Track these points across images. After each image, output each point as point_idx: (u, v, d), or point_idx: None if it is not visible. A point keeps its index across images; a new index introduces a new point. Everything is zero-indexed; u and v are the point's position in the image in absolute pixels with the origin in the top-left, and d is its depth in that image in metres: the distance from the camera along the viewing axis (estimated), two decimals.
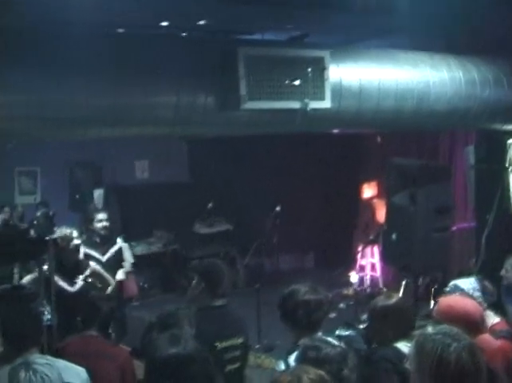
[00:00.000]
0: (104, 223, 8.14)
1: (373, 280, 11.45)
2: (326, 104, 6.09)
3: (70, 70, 5.28)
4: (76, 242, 7.26)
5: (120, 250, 8.33)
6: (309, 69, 5.91)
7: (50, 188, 11.87)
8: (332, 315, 8.90)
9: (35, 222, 9.02)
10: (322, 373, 2.74)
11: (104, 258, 7.99)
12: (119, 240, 8.45)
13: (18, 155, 11.24)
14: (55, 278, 6.43)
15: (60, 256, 6.84)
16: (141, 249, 12.07)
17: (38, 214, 9.17)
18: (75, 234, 7.35)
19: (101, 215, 8.30)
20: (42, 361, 3.55)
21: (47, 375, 3.44)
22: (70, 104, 5.35)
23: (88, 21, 5.90)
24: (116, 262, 8.19)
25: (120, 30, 6.20)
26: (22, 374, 3.42)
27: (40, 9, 5.28)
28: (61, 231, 7.17)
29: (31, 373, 3.43)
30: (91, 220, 8.30)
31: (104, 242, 8.13)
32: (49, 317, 6.37)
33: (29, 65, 5.13)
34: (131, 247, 10.95)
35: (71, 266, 7.20)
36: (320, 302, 4.10)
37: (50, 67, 5.21)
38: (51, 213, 8.47)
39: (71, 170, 12.21)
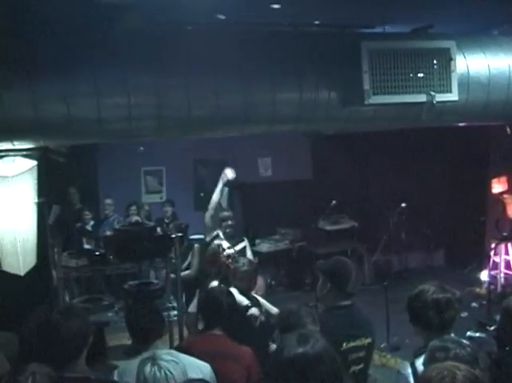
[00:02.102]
0: (229, 222, 8.19)
1: (507, 278, 11.02)
2: (453, 96, 5.90)
3: (198, 70, 5.37)
4: (229, 251, 7.28)
5: (244, 249, 8.36)
6: (435, 61, 5.76)
7: (176, 187, 12.15)
8: (464, 314, 8.66)
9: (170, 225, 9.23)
10: (473, 370, 2.60)
11: None
12: (245, 239, 8.48)
13: (144, 155, 11.58)
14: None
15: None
16: (268, 246, 12.14)
17: (170, 225, 9.36)
18: (225, 245, 7.40)
19: (226, 214, 8.37)
20: (168, 358, 3.62)
21: (171, 372, 3.51)
22: (199, 104, 5.43)
23: (209, 21, 5.97)
24: None
25: (242, 28, 6.23)
26: (148, 368, 3.51)
27: (162, 10, 5.37)
28: (212, 248, 7.30)
29: (156, 368, 3.50)
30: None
31: (229, 240, 8.16)
32: (175, 312, 6.49)
33: (158, 66, 5.26)
34: (254, 245, 11.07)
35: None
36: (449, 300, 3.95)
37: (178, 67, 5.32)
38: (183, 225, 8.70)
39: (195, 168, 12.44)
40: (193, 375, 3.90)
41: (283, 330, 3.87)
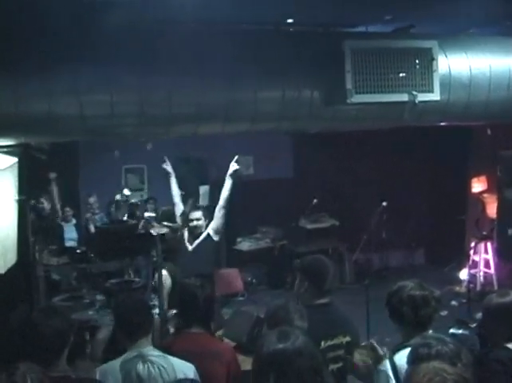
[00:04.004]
0: (196, 223, 8.07)
1: (487, 277, 11.11)
2: (435, 96, 5.93)
3: (180, 68, 5.36)
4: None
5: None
6: (417, 61, 5.79)
7: (157, 185, 12.09)
8: (444, 313, 8.70)
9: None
10: (458, 370, 2.61)
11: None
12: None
13: (125, 153, 11.53)
14: None
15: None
16: (249, 244, 12.15)
17: (164, 208, 9.34)
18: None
19: (196, 214, 8.27)
20: (157, 353, 3.62)
21: (163, 367, 3.50)
22: (181, 102, 5.42)
23: (196, 19, 5.95)
24: None
25: (224, 27, 6.22)
26: (140, 366, 3.49)
27: (145, 8, 5.35)
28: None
29: (149, 364, 3.50)
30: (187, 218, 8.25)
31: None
32: (157, 310, 6.46)
33: (141, 64, 5.24)
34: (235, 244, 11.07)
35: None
36: (426, 297, 3.95)
37: (160, 65, 5.31)
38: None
39: (176, 166, 12.37)
40: (179, 375, 3.87)
41: (271, 326, 3.86)
